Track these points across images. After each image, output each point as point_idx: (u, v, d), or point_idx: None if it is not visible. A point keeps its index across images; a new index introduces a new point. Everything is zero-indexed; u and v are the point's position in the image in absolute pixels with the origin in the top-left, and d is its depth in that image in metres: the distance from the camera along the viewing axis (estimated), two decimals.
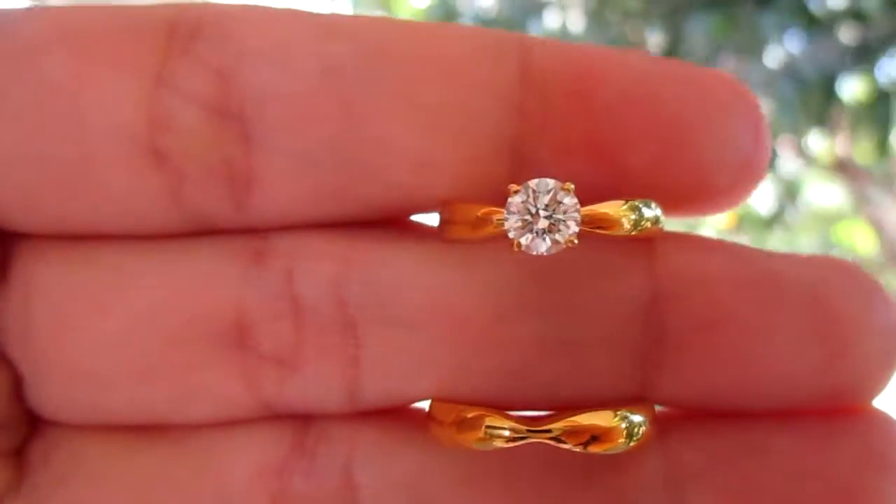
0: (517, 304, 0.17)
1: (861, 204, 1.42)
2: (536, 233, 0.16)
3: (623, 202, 0.16)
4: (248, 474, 0.17)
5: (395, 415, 0.18)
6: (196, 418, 0.17)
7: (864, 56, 1.19)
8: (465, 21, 1.43)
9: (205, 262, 0.17)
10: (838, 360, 0.16)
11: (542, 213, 0.16)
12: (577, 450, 0.16)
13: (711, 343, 0.16)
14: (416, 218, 0.18)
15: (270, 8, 0.17)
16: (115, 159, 0.16)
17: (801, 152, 1.43)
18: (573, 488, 0.17)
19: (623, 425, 0.16)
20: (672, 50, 1.24)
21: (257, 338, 0.17)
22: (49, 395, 0.17)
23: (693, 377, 0.17)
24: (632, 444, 0.16)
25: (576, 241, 0.16)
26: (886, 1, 1.14)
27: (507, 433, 0.16)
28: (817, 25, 1.19)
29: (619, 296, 0.17)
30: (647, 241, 0.17)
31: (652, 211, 0.16)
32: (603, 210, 0.16)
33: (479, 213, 0.16)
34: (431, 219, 0.18)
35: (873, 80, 1.20)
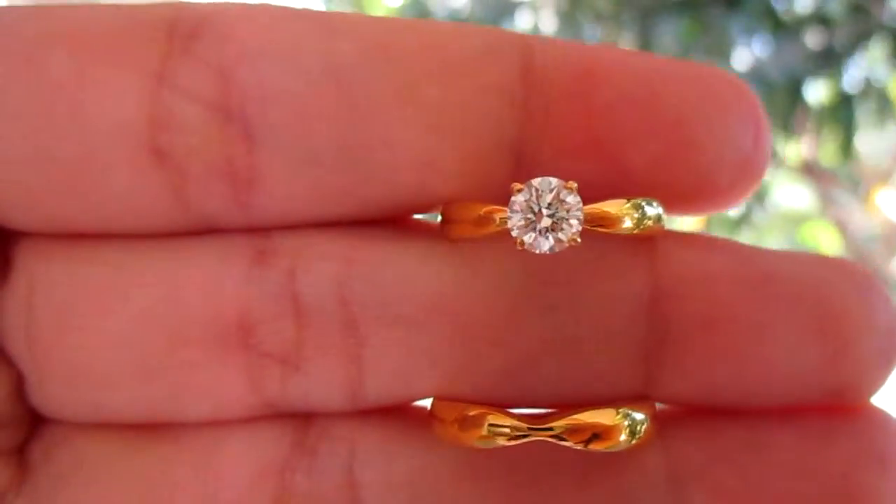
0: (519, 303, 0.17)
1: (826, 205, 1.44)
2: (539, 231, 0.16)
3: (625, 201, 0.16)
4: (249, 473, 0.17)
5: (396, 413, 0.18)
6: (198, 417, 0.17)
7: (830, 60, 1.21)
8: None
9: (207, 261, 0.17)
10: (838, 359, 0.16)
11: (545, 211, 0.16)
12: (579, 448, 0.16)
13: (712, 341, 0.17)
14: (418, 217, 0.18)
15: (271, 7, 0.17)
16: (116, 158, 0.16)
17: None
18: (575, 486, 0.17)
19: (625, 423, 0.16)
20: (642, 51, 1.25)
21: (260, 336, 0.17)
22: (51, 394, 0.17)
23: (694, 375, 0.17)
24: (633, 441, 0.16)
25: (578, 240, 0.16)
26: (851, 7, 1.16)
27: (508, 431, 0.16)
28: (784, 30, 1.21)
29: (620, 294, 0.17)
30: (649, 240, 0.17)
31: (654, 209, 0.16)
32: (605, 208, 0.16)
33: (481, 212, 0.16)
34: (434, 218, 0.18)
35: (838, 84, 1.22)
